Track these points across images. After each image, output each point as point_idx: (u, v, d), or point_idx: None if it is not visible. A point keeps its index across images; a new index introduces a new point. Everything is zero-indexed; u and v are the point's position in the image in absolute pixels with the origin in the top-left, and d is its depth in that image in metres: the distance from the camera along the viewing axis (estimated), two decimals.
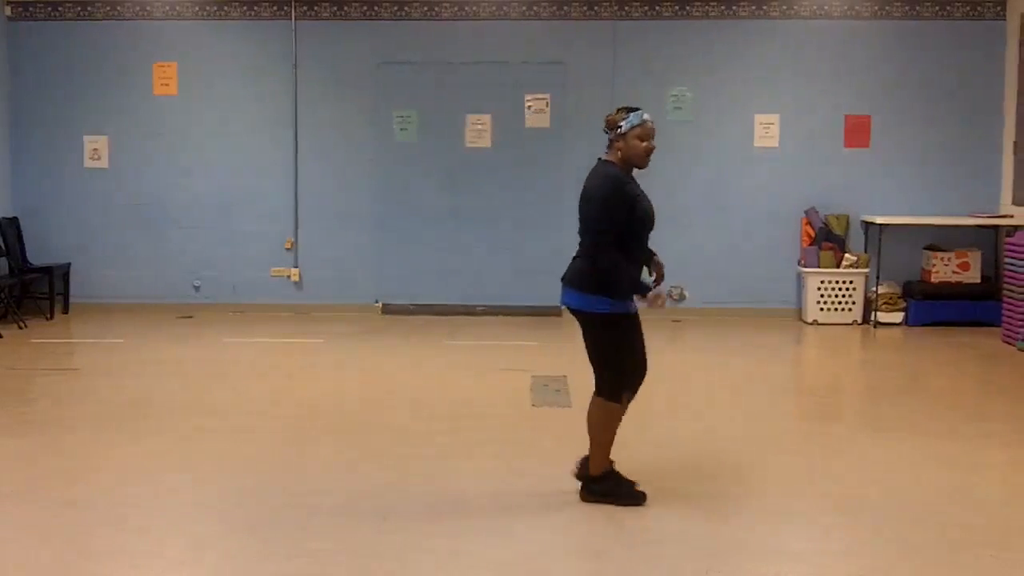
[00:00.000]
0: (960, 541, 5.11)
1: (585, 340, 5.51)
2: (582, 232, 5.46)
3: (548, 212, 11.62)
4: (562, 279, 5.51)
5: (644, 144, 5.38)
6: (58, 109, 11.80)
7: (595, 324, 5.42)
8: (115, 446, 6.67)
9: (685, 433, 6.92)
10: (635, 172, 5.52)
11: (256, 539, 5.10)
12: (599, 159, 5.52)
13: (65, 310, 11.66)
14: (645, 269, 5.57)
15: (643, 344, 5.57)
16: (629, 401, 5.59)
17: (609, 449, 5.57)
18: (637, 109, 5.45)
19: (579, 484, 5.63)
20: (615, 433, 5.55)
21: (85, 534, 5.16)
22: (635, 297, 5.35)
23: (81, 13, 11.72)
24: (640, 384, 5.60)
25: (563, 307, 5.55)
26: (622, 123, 5.40)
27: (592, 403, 5.54)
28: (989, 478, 6.35)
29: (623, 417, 5.59)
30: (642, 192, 5.46)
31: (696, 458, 6.30)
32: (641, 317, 5.53)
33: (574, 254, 5.51)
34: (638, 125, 5.38)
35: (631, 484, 5.61)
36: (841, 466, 6.36)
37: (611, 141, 5.46)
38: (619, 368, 5.45)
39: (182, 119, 11.77)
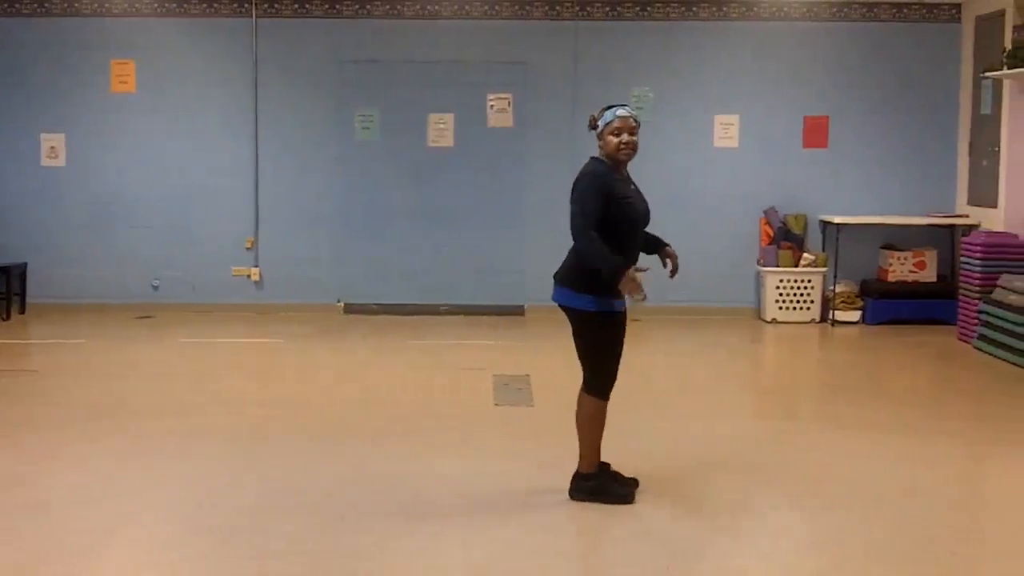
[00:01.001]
0: (919, 537, 5.18)
1: (574, 337, 5.57)
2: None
3: (511, 211, 11.65)
4: (554, 276, 5.58)
5: (616, 140, 5.43)
6: (14, 106, 11.68)
7: (581, 321, 5.49)
8: (75, 447, 6.62)
9: (646, 432, 6.96)
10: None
11: (217, 540, 5.08)
12: (591, 157, 5.60)
13: (22, 310, 11.53)
14: (659, 261, 5.67)
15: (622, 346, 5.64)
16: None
17: (598, 447, 5.60)
18: (616, 106, 5.53)
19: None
20: (602, 430, 5.59)
21: (44, 536, 5.12)
22: (617, 280, 5.34)
23: (38, 9, 11.60)
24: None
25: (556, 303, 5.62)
26: (600, 122, 5.49)
27: (579, 400, 5.59)
28: (946, 475, 6.43)
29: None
30: (632, 190, 5.53)
31: (657, 457, 6.33)
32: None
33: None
34: (611, 121, 5.45)
35: (630, 482, 5.67)
36: (801, 464, 6.42)
37: (597, 139, 5.54)
38: (604, 365, 5.50)
39: (141, 117, 11.68)
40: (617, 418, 5.79)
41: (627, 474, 5.76)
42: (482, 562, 4.82)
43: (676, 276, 5.71)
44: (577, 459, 5.64)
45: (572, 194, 5.47)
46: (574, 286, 5.47)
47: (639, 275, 5.38)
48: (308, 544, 5.00)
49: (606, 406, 5.56)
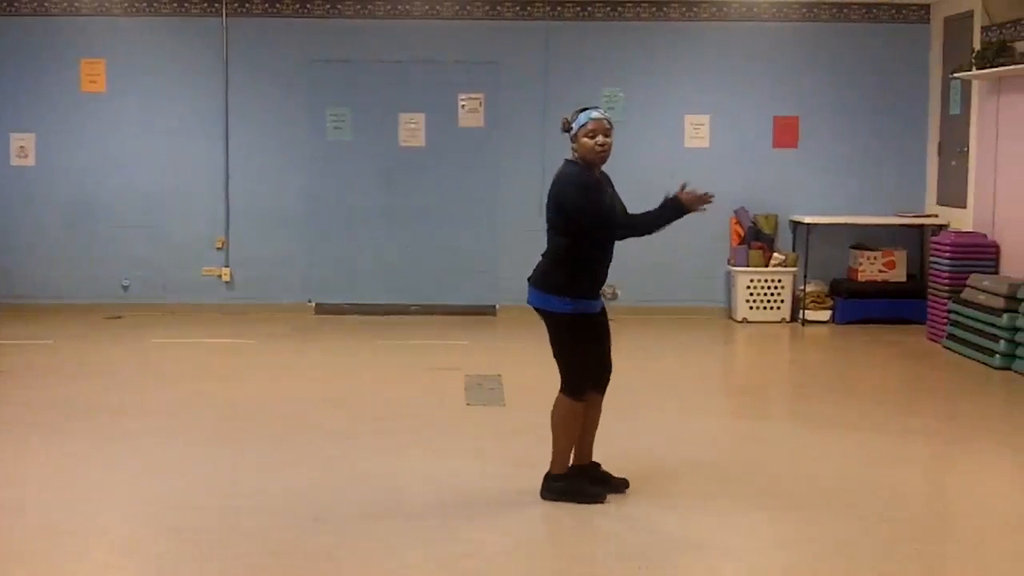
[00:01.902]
0: (887, 535, 5.21)
1: (550, 340, 5.58)
2: (548, 231, 5.56)
3: (481, 211, 11.65)
4: (528, 279, 5.58)
5: (591, 142, 5.44)
6: None
7: (556, 323, 5.50)
8: (43, 448, 6.57)
9: (617, 432, 6.96)
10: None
11: (184, 542, 5.06)
12: (565, 160, 5.60)
13: None
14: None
15: (608, 343, 5.67)
16: (600, 399, 5.67)
17: (571, 448, 5.61)
18: (589, 108, 5.53)
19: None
20: (577, 432, 5.59)
21: (10, 538, 5.09)
22: (682, 208, 5.35)
23: (7, 8, 11.51)
24: (607, 383, 5.69)
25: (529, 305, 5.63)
26: (574, 124, 5.48)
27: (555, 401, 5.58)
28: (914, 473, 6.48)
29: (601, 415, 5.70)
30: (608, 193, 5.54)
31: (628, 456, 6.34)
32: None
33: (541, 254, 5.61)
34: (585, 123, 5.45)
35: (621, 483, 5.70)
36: (771, 462, 6.45)
37: (571, 142, 5.54)
38: (579, 366, 5.51)
39: (111, 116, 11.60)
40: None
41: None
42: (452, 562, 4.81)
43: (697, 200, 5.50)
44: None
45: (557, 202, 5.45)
46: (549, 288, 5.48)
47: (691, 193, 5.37)
48: (278, 545, 4.99)
49: (581, 408, 5.56)
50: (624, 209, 5.64)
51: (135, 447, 6.60)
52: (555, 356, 5.59)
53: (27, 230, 11.66)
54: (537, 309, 5.57)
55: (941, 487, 6.49)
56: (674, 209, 5.42)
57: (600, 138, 5.44)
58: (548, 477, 5.63)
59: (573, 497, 5.55)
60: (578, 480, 5.64)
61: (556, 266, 5.49)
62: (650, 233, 5.50)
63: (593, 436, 5.74)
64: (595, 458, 5.79)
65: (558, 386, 5.56)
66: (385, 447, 6.62)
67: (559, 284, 5.45)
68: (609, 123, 5.50)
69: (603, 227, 5.45)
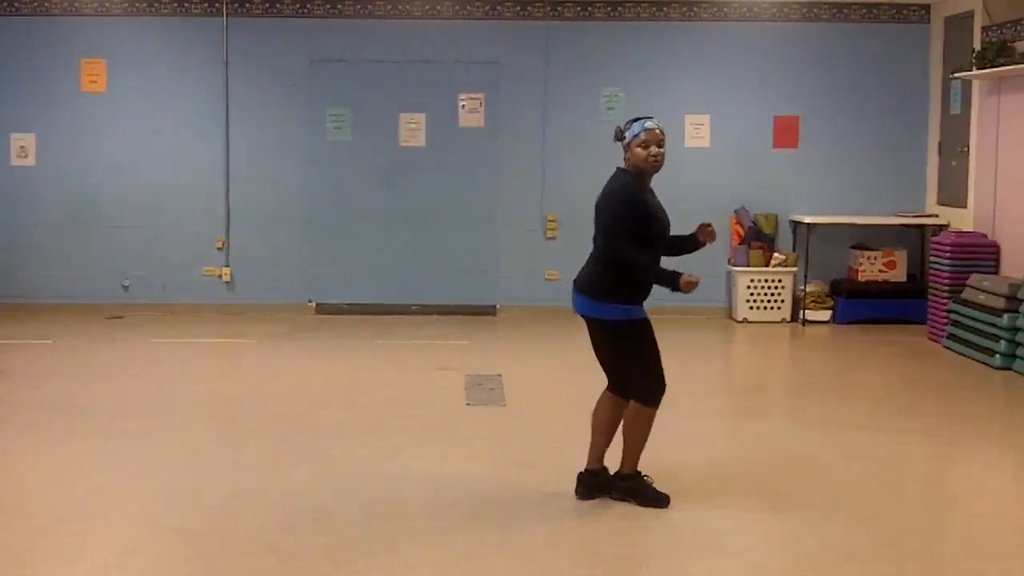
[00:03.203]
0: (887, 535, 5.21)
1: (595, 344, 5.57)
2: (596, 238, 5.55)
3: (482, 211, 11.65)
4: (573, 282, 5.57)
5: (645, 152, 5.45)
6: None
7: (608, 330, 5.48)
8: (43, 448, 6.58)
9: (616, 432, 6.96)
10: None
11: (185, 542, 5.06)
12: (617, 168, 5.60)
13: None
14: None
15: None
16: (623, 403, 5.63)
17: (642, 450, 5.61)
18: (643, 118, 5.54)
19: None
20: (648, 435, 5.59)
21: (11, 538, 5.09)
22: (670, 288, 5.43)
23: (7, 8, 11.51)
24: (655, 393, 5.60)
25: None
26: (627, 133, 5.49)
27: (628, 408, 5.55)
28: (914, 473, 6.49)
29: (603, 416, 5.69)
30: (656, 202, 5.56)
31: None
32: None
33: (588, 258, 5.61)
34: (638, 134, 5.46)
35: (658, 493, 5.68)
36: (771, 462, 6.45)
37: (624, 151, 5.54)
38: (648, 371, 5.50)
39: (111, 116, 11.60)
40: (583, 419, 5.79)
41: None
42: (452, 562, 4.81)
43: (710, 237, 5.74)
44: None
45: (604, 209, 5.47)
46: (598, 295, 5.46)
47: (693, 276, 5.43)
48: (278, 545, 4.99)
49: (653, 413, 5.55)
50: (666, 220, 5.60)
51: (135, 447, 6.60)
52: (604, 362, 5.59)
53: (27, 230, 11.66)
54: (585, 316, 5.55)
55: (941, 487, 6.48)
56: (670, 282, 5.42)
57: (653, 148, 5.46)
58: (617, 477, 5.63)
59: (641, 498, 5.55)
60: (643, 482, 5.63)
61: (603, 271, 5.47)
62: (645, 281, 5.47)
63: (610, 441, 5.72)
64: (582, 458, 5.76)
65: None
66: (385, 447, 6.62)
67: (605, 290, 5.43)
68: (662, 132, 5.52)
69: (616, 254, 5.41)
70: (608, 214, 5.44)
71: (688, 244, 5.78)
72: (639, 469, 5.62)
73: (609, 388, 5.66)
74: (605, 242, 5.46)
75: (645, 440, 5.59)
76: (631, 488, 5.60)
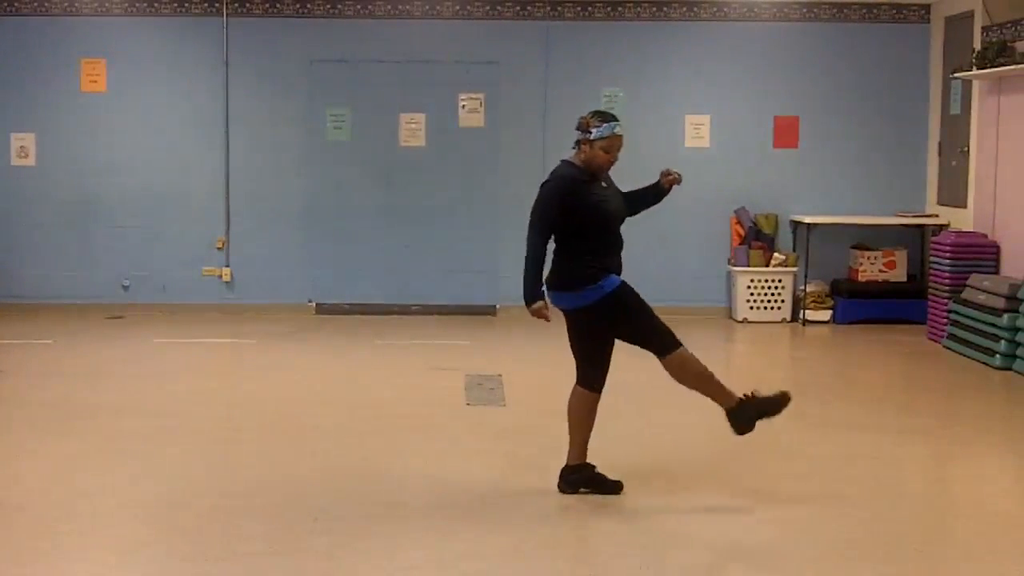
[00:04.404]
0: (887, 535, 5.21)
1: (577, 334, 5.60)
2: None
3: (482, 211, 11.64)
4: (546, 283, 5.59)
5: (607, 156, 5.48)
6: None
7: (597, 313, 5.50)
8: (44, 448, 6.57)
9: (615, 433, 6.96)
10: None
11: (185, 541, 5.06)
12: (562, 160, 5.60)
13: None
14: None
15: (644, 316, 5.63)
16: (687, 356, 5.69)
17: (586, 440, 5.64)
18: (612, 120, 5.53)
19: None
20: (592, 424, 5.63)
21: (11, 538, 5.09)
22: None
23: (7, 8, 11.51)
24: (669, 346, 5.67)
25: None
26: (593, 129, 5.47)
27: (674, 366, 5.62)
28: (915, 472, 6.49)
29: (597, 410, 5.71)
30: (607, 193, 5.58)
31: (627, 457, 6.34)
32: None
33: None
34: (607, 137, 5.48)
35: (616, 485, 5.69)
36: (771, 462, 6.45)
37: (578, 142, 5.53)
38: (655, 325, 5.59)
39: (111, 116, 11.59)
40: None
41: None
42: (452, 562, 4.81)
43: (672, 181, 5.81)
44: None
45: (537, 197, 5.53)
46: (558, 287, 5.52)
47: (546, 310, 5.45)
48: (278, 545, 4.99)
49: (596, 399, 5.58)
50: (623, 207, 5.65)
51: (135, 447, 6.60)
52: (572, 348, 5.61)
53: (27, 230, 11.66)
54: (574, 311, 5.56)
55: (941, 487, 6.48)
56: (525, 297, 5.46)
57: (614, 155, 5.49)
58: (565, 469, 5.65)
59: (591, 486, 5.56)
60: (593, 471, 5.63)
61: (559, 263, 5.53)
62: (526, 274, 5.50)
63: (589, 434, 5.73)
64: (591, 456, 5.77)
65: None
66: (385, 447, 6.62)
67: (576, 277, 5.47)
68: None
69: (529, 237, 5.47)
70: (534, 204, 5.50)
71: (652, 195, 5.81)
72: (737, 403, 5.66)
73: (578, 383, 5.66)
74: (529, 227, 5.51)
75: (711, 379, 5.63)
76: (578, 480, 5.58)
